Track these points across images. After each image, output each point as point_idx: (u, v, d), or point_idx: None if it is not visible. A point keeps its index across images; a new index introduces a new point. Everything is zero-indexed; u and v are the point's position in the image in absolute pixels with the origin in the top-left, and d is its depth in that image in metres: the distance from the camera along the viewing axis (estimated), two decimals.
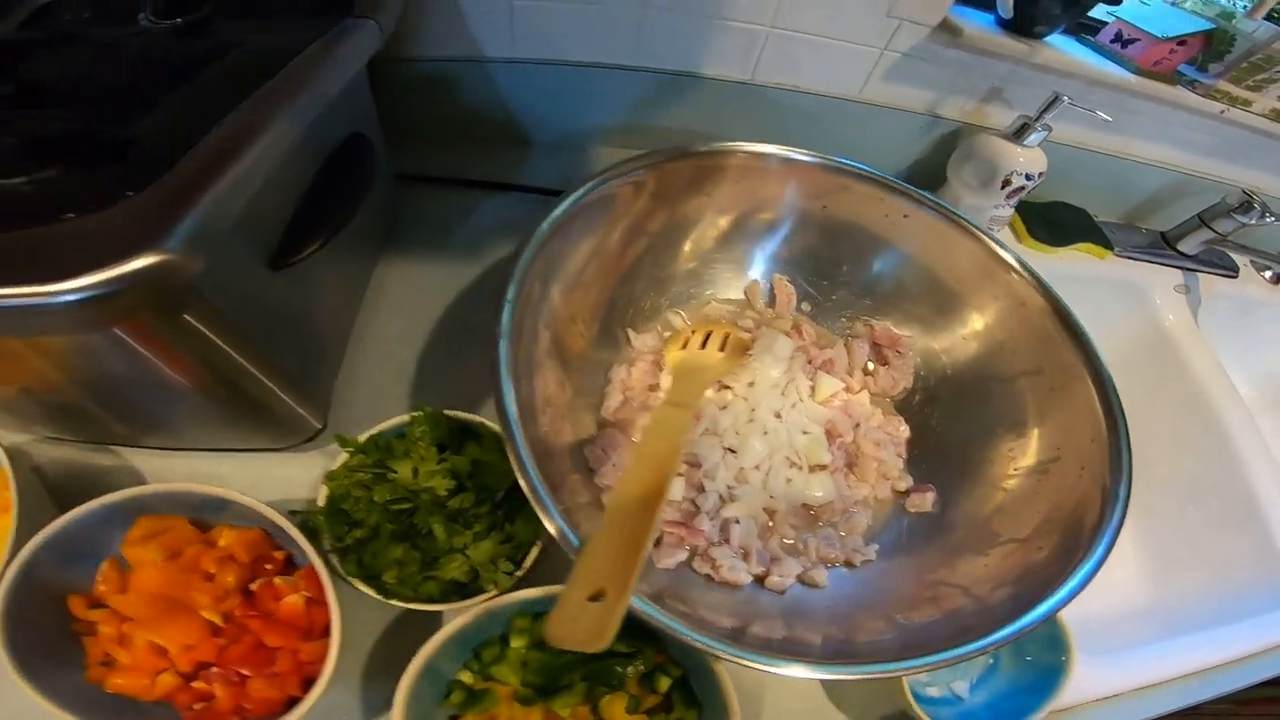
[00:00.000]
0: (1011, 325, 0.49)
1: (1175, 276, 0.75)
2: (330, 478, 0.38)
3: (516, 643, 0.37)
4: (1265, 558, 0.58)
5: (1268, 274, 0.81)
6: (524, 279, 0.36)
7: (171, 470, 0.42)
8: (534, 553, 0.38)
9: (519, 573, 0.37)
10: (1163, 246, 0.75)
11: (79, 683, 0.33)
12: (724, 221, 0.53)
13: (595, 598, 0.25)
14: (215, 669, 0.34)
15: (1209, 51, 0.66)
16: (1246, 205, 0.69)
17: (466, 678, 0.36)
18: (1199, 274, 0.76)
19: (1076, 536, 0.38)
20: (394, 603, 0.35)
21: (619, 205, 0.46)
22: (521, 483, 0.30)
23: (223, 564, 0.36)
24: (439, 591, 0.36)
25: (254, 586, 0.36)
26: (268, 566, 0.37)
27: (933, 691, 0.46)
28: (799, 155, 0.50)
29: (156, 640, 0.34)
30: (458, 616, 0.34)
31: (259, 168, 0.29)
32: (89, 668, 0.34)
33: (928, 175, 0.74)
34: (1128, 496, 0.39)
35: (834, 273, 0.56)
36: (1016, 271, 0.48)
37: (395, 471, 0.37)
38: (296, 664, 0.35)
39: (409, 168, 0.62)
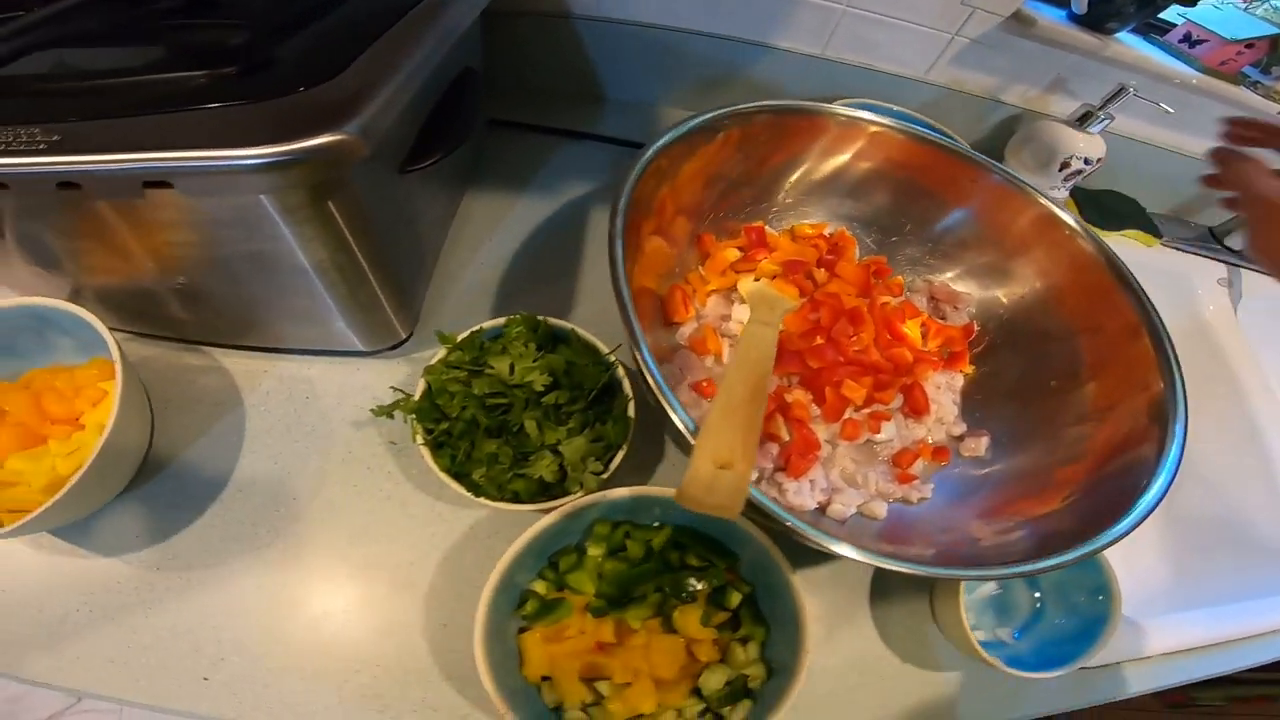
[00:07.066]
0: (1069, 282, 0.51)
1: (1219, 270, 0.77)
2: (429, 371, 0.38)
3: (594, 550, 0.36)
4: None
5: None
6: (637, 183, 0.39)
7: (261, 371, 0.45)
8: (619, 456, 0.38)
9: (605, 475, 0.37)
10: (1210, 240, 0.77)
11: None
12: (807, 172, 0.56)
13: (723, 468, 0.27)
14: None
15: (1274, 55, 0.69)
16: None
17: (540, 587, 0.36)
18: (1243, 270, 0.77)
19: (1130, 479, 0.39)
20: (482, 500, 0.36)
21: (724, 139, 0.49)
22: (646, 376, 0.32)
23: None
24: (525, 491, 0.36)
25: None
26: None
27: (980, 635, 0.47)
28: (889, 123, 0.53)
29: None
30: (541, 519, 0.35)
31: (413, 80, 0.34)
32: None
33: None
34: (1182, 447, 0.39)
35: (898, 228, 0.58)
36: (1077, 234, 0.50)
37: (493, 367, 0.37)
38: None
39: (493, 113, 0.66)
